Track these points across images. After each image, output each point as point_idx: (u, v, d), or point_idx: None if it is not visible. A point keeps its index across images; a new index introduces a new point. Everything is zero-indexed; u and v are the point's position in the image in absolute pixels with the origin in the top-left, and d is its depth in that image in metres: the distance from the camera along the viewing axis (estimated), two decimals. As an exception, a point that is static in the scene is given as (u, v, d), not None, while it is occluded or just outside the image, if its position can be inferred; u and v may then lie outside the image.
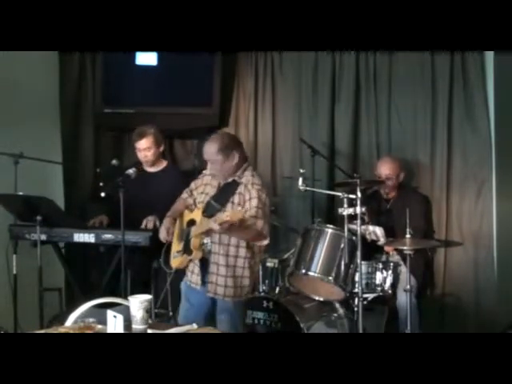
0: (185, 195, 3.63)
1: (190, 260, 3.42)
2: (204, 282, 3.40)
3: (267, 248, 3.61)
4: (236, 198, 3.29)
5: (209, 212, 3.32)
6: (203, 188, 3.50)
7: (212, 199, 3.38)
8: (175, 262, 3.52)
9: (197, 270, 3.43)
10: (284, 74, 4.89)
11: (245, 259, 3.35)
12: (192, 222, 3.43)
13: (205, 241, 3.36)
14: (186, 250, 3.40)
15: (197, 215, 3.40)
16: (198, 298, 3.45)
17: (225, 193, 3.35)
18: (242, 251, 3.34)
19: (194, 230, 3.36)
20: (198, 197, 3.50)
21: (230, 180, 3.37)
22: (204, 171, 3.57)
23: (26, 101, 4.43)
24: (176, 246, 3.53)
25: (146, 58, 4.74)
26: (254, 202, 3.22)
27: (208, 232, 3.28)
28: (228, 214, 2.97)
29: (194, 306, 3.46)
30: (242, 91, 5.04)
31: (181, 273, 3.58)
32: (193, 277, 3.46)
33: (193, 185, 3.61)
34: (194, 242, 3.33)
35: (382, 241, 3.82)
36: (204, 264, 3.40)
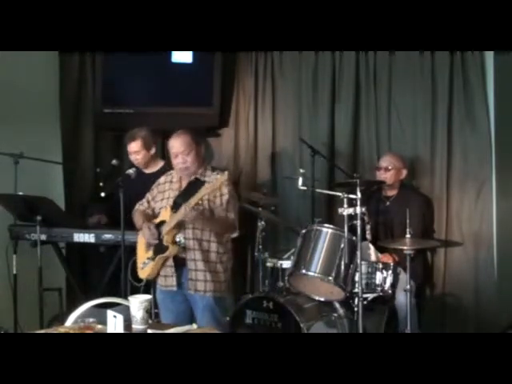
0: (141, 207, 3.59)
1: (165, 261, 3.38)
2: (180, 283, 3.39)
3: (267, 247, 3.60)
4: (205, 195, 3.30)
5: (177, 209, 3.31)
6: (162, 195, 3.51)
7: (178, 198, 3.38)
8: (145, 271, 3.46)
9: (170, 271, 3.40)
10: (284, 74, 4.89)
11: (217, 254, 3.38)
12: (160, 225, 3.40)
13: (177, 238, 3.35)
14: (159, 250, 3.36)
15: (165, 215, 3.39)
16: (176, 305, 3.44)
17: (190, 191, 3.34)
18: (214, 246, 3.37)
19: (164, 228, 3.34)
20: (159, 204, 3.50)
21: (192, 178, 3.41)
22: (159, 179, 3.58)
23: (26, 101, 4.42)
24: (143, 255, 3.48)
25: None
26: (226, 197, 3.33)
27: (180, 225, 3.30)
28: (207, 186, 3.11)
29: (174, 313, 3.44)
30: (242, 91, 5.04)
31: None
32: (167, 280, 3.42)
33: (149, 196, 3.59)
34: (166, 239, 3.33)
35: (372, 257, 3.83)
36: (178, 264, 3.38)
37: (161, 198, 3.51)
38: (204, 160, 3.49)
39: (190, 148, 3.36)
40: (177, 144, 3.39)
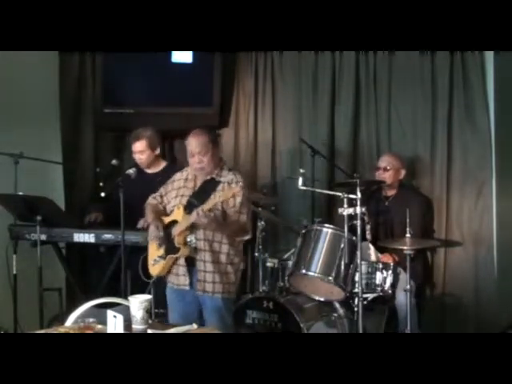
0: (154, 201, 3.56)
1: (176, 260, 3.38)
2: (191, 283, 3.38)
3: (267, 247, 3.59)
4: (218, 203, 3.29)
5: (190, 210, 3.30)
6: (176, 192, 3.47)
7: (192, 197, 3.37)
8: (156, 268, 3.45)
9: (182, 270, 3.39)
10: (284, 74, 4.89)
11: (227, 255, 3.36)
12: (172, 224, 3.38)
13: (188, 239, 3.34)
14: (170, 250, 3.36)
15: (177, 215, 3.37)
16: (185, 304, 3.42)
17: (204, 191, 3.34)
18: (225, 247, 3.35)
19: (176, 229, 3.33)
20: (172, 201, 3.46)
21: (208, 178, 3.39)
22: (175, 176, 3.54)
23: (26, 101, 4.42)
24: (155, 253, 3.47)
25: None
26: (239, 199, 3.28)
27: (192, 227, 3.29)
28: (221, 193, 3.09)
29: (180, 313, 3.43)
30: (242, 91, 5.04)
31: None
32: (179, 279, 3.40)
33: (162, 190, 3.56)
34: (178, 240, 3.31)
35: (372, 257, 3.84)
36: (189, 264, 3.37)
37: (175, 195, 3.47)
38: (221, 160, 3.45)
39: (207, 149, 3.32)
40: (193, 143, 3.34)
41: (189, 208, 3.33)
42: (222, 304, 3.37)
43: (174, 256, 3.35)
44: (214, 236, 3.33)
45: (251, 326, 3.80)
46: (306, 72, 4.79)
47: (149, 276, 3.52)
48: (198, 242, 3.33)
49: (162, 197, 3.56)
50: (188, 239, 3.34)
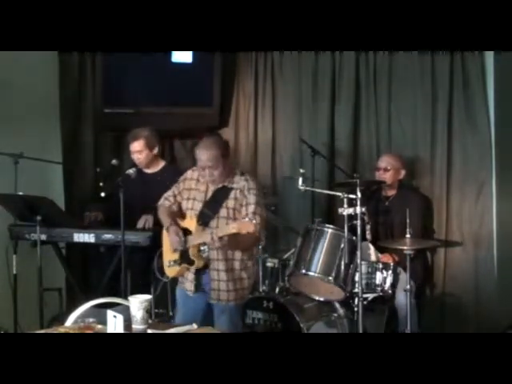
0: (167, 203, 3.50)
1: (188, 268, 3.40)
2: (198, 289, 3.38)
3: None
4: (230, 203, 3.27)
5: (203, 220, 3.30)
6: (188, 193, 3.43)
7: (204, 208, 3.34)
8: (172, 271, 3.47)
9: (190, 276, 3.39)
10: (284, 74, 4.90)
11: (241, 261, 3.35)
12: (185, 231, 3.37)
13: (202, 248, 3.33)
14: (185, 259, 3.35)
15: (190, 224, 3.35)
16: (193, 305, 3.42)
17: (216, 199, 3.32)
18: (238, 254, 3.34)
19: (191, 240, 3.32)
20: (184, 203, 3.43)
21: (220, 185, 3.34)
22: (186, 174, 3.49)
23: (26, 101, 4.42)
24: (170, 255, 3.46)
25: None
26: (252, 208, 3.23)
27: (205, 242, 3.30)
28: (235, 226, 3.03)
29: (189, 312, 3.41)
30: (242, 91, 5.05)
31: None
32: (187, 284, 3.41)
33: (175, 190, 3.50)
34: (192, 252, 3.31)
35: (372, 257, 3.84)
36: (198, 270, 3.37)
37: (186, 197, 3.43)
38: (232, 167, 3.37)
39: (218, 163, 3.24)
40: (204, 158, 3.25)
41: (201, 219, 3.31)
42: (234, 309, 3.39)
43: (192, 267, 3.35)
44: None
45: (251, 326, 3.80)
46: (306, 72, 4.79)
47: (163, 274, 3.55)
48: (212, 252, 3.31)
49: (175, 196, 3.50)
50: (201, 248, 3.33)
